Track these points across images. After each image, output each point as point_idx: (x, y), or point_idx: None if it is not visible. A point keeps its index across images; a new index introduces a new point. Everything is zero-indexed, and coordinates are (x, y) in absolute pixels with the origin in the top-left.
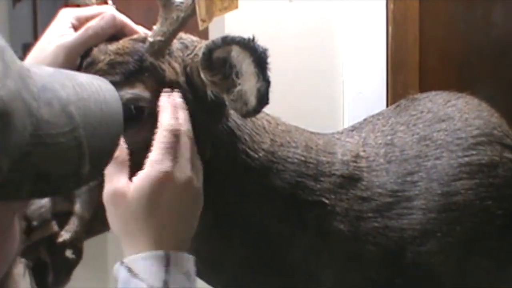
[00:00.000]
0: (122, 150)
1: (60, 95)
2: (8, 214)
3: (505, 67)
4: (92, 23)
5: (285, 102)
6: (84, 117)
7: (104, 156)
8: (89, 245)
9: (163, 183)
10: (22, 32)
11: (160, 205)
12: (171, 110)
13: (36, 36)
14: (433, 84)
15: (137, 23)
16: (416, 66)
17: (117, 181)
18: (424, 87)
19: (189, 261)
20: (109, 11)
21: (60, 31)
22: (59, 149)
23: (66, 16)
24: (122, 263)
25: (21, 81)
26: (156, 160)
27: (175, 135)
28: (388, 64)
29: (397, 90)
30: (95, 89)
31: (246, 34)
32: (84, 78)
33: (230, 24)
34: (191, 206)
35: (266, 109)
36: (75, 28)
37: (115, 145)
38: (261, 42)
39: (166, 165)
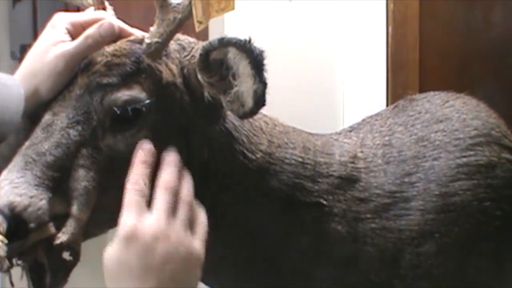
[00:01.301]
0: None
1: None
2: None
3: (505, 67)
4: (91, 31)
5: (285, 102)
6: None
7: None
8: (89, 245)
9: (128, 240)
10: (22, 32)
11: (130, 264)
12: (145, 162)
13: (36, 36)
14: (433, 84)
15: (136, 23)
16: (416, 66)
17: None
18: (424, 87)
19: None
20: (105, 16)
21: (57, 38)
22: None
23: (61, 21)
24: None
25: None
26: (122, 218)
27: (141, 191)
28: (388, 64)
29: (397, 90)
30: None
31: (246, 34)
32: None
33: (230, 24)
34: (168, 259)
35: (266, 110)
36: (71, 34)
37: (16, 120)
38: (260, 42)
39: (130, 220)
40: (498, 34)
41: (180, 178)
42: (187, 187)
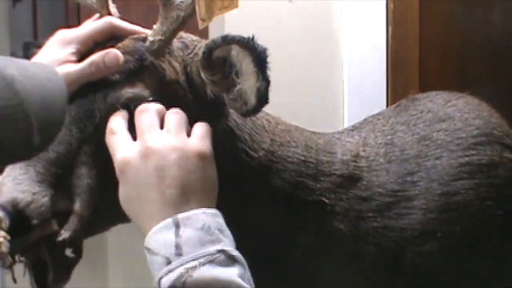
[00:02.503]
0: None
1: (3, 74)
2: None
3: (505, 67)
4: (95, 59)
5: (285, 102)
6: (30, 93)
7: (53, 127)
8: (89, 245)
9: (123, 171)
10: (22, 32)
11: (134, 189)
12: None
13: (36, 36)
14: (433, 84)
15: (137, 23)
16: (416, 66)
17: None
18: (424, 87)
19: (205, 214)
20: (112, 21)
21: (63, 58)
22: (9, 121)
23: (65, 39)
24: (144, 246)
25: None
26: (113, 159)
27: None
28: (388, 64)
29: (397, 90)
30: (36, 69)
31: (246, 34)
32: (25, 62)
33: (230, 24)
34: (162, 166)
35: (266, 109)
36: (80, 52)
37: (62, 117)
38: (261, 42)
39: (117, 155)
40: (498, 34)
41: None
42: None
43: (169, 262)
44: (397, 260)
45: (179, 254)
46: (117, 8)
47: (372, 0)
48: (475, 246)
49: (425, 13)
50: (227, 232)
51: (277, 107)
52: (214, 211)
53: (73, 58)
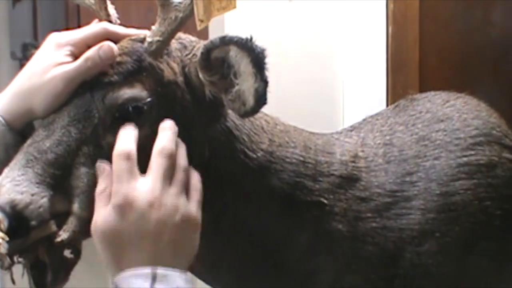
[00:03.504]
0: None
1: None
2: None
3: (505, 67)
4: (90, 54)
5: (285, 102)
6: None
7: None
8: (89, 245)
9: (122, 207)
10: (22, 32)
11: (128, 231)
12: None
13: (36, 36)
14: (433, 84)
15: (136, 23)
16: (416, 66)
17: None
18: (424, 87)
19: (180, 278)
20: (106, 27)
21: (58, 59)
22: None
23: (63, 42)
24: (113, 281)
25: None
26: (114, 188)
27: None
28: (388, 64)
29: (397, 90)
30: None
31: (246, 34)
32: None
33: (230, 24)
34: (164, 225)
35: (266, 109)
36: (74, 54)
37: None
38: (260, 42)
39: (123, 189)
40: (498, 34)
41: (175, 143)
42: (181, 152)
43: None
44: (396, 260)
45: None
46: (117, 8)
47: (372, 0)
48: (474, 246)
49: (425, 13)
50: None
51: (277, 107)
52: (188, 277)
53: (68, 59)
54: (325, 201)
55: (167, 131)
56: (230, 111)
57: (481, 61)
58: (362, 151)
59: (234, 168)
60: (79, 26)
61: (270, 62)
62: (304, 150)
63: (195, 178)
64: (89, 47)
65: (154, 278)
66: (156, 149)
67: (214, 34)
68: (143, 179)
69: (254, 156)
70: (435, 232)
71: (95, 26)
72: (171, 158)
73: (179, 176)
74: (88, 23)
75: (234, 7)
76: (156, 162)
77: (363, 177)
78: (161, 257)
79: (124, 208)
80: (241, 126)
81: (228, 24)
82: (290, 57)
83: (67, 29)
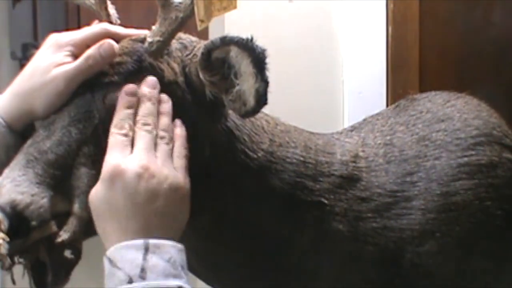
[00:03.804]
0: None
1: None
2: None
3: (505, 67)
4: (91, 52)
5: (285, 102)
6: None
7: None
8: (89, 245)
9: (111, 179)
10: (22, 32)
11: (117, 202)
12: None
13: (36, 36)
14: (433, 84)
15: (136, 23)
16: (416, 66)
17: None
18: (424, 87)
19: (174, 248)
20: (107, 28)
21: (58, 60)
22: None
23: (63, 43)
24: (105, 255)
25: None
26: (106, 159)
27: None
28: (388, 64)
29: (397, 90)
30: None
31: (246, 35)
32: None
33: (230, 24)
34: (153, 194)
35: (266, 109)
36: (74, 54)
37: None
38: (261, 42)
39: (112, 160)
40: (498, 34)
41: (158, 111)
42: (164, 119)
43: (130, 281)
44: (396, 261)
45: (142, 277)
46: (117, 8)
47: (372, 0)
48: (474, 247)
49: (425, 13)
50: (186, 270)
51: (277, 107)
52: (181, 246)
53: (69, 59)
54: (326, 201)
55: (146, 100)
56: (230, 111)
57: (481, 61)
58: (363, 151)
59: (234, 168)
60: (79, 26)
61: (270, 62)
62: (305, 150)
63: (179, 142)
64: (89, 47)
65: (146, 249)
66: (138, 120)
67: (214, 34)
68: (133, 151)
69: (255, 156)
70: (436, 232)
71: (96, 27)
72: (153, 127)
73: (162, 143)
74: (88, 23)
75: (235, 7)
76: (139, 132)
77: (363, 177)
78: (152, 227)
79: (113, 179)
80: (242, 126)
81: (228, 24)
82: (290, 57)
83: (67, 29)
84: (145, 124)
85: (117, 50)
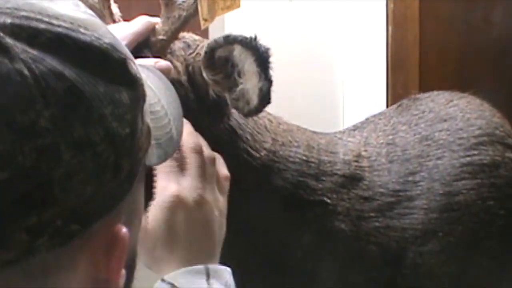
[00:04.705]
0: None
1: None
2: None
3: (505, 67)
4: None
5: (285, 102)
6: (158, 89)
7: (179, 121)
8: None
9: (173, 207)
10: None
11: (178, 230)
12: None
13: None
14: (433, 83)
15: None
16: (416, 66)
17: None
18: (424, 87)
19: (227, 272)
20: (144, 23)
21: None
22: (159, 117)
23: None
24: (163, 280)
25: None
26: (161, 186)
27: (177, 157)
28: (388, 64)
29: (397, 90)
30: (146, 68)
31: (247, 34)
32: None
33: (230, 24)
34: (209, 222)
35: (269, 110)
36: None
37: (181, 111)
38: (263, 42)
39: (172, 188)
40: (498, 33)
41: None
42: (205, 143)
43: None
44: (399, 260)
45: None
46: (118, 7)
47: (372, 0)
48: (477, 246)
49: (425, 13)
50: None
51: (277, 107)
52: (230, 270)
53: None
54: (328, 201)
55: (187, 125)
56: (233, 110)
57: (481, 61)
58: (365, 150)
59: (237, 167)
60: None
61: (271, 61)
62: (307, 149)
63: (223, 168)
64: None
65: (208, 274)
66: (189, 145)
67: (214, 34)
68: (184, 178)
69: (257, 155)
70: (438, 231)
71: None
72: (201, 153)
73: (210, 169)
74: None
75: (239, 6)
76: (191, 159)
77: (366, 177)
78: (209, 253)
79: (175, 208)
80: (245, 125)
81: (228, 24)
82: (290, 57)
83: None
84: (194, 147)
85: (171, 69)
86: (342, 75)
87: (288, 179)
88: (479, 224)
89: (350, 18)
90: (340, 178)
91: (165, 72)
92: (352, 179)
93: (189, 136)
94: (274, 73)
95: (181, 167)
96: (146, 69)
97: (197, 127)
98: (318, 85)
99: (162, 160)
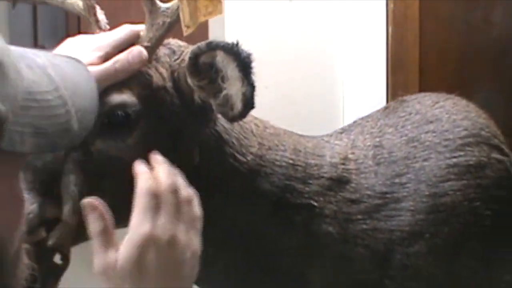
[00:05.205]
0: (106, 221)
1: (36, 61)
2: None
3: (505, 67)
4: (120, 56)
5: (285, 102)
6: (62, 78)
7: (88, 114)
8: (88, 245)
9: (145, 246)
10: (22, 32)
11: (148, 268)
12: (148, 171)
13: (36, 37)
14: (433, 84)
15: (137, 23)
16: (416, 66)
17: (105, 256)
18: (424, 87)
19: None
20: (127, 31)
21: (87, 60)
22: (49, 106)
23: (90, 44)
24: None
25: (5, 46)
26: (135, 223)
27: (154, 196)
28: (388, 64)
29: (397, 90)
30: (63, 58)
31: (246, 35)
32: (49, 52)
33: (230, 25)
34: (180, 262)
35: (266, 109)
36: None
37: (96, 104)
38: (261, 42)
39: (146, 226)
40: (498, 34)
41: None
42: (182, 183)
43: None
44: (386, 262)
45: None
46: (117, 8)
47: (372, 0)
48: (463, 247)
49: (425, 13)
50: None
51: (277, 107)
52: None
53: (98, 62)
54: (315, 204)
55: (162, 165)
56: (219, 116)
57: (481, 61)
58: (352, 153)
59: (224, 172)
60: (79, 27)
61: (270, 62)
62: (294, 153)
63: (197, 209)
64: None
65: None
66: (166, 185)
67: (214, 34)
68: (159, 217)
69: (244, 159)
70: (425, 233)
71: (122, 30)
72: (177, 193)
73: (185, 210)
74: (87, 24)
75: (221, 12)
76: (167, 199)
77: (353, 179)
78: None
79: (147, 246)
80: (231, 130)
81: (228, 24)
82: (290, 57)
83: (67, 31)
84: (169, 187)
85: (145, 57)
86: (342, 75)
87: (275, 183)
88: (466, 225)
89: (350, 18)
90: (327, 181)
91: (138, 59)
92: (339, 182)
93: (167, 176)
94: (273, 73)
95: (157, 206)
96: (60, 58)
97: (183, 133)
98: (318, 85)
99: (43, 150)
